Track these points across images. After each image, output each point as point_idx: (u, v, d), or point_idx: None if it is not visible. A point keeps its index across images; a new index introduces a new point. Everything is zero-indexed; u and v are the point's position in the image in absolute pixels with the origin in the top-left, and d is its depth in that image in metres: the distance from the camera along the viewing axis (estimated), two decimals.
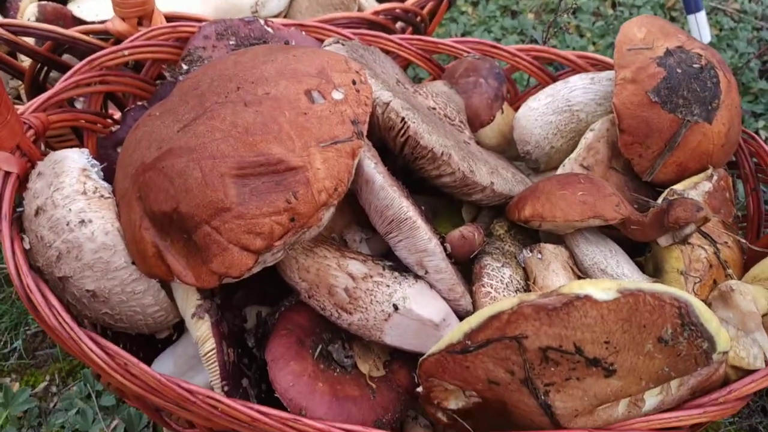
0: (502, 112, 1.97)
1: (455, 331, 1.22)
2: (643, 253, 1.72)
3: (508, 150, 2.04)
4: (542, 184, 1.55)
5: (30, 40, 2.13)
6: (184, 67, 1.76)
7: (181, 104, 1.39)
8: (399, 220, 1.35)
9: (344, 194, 1.32)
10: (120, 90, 1.80)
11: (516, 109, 2.10)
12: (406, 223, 1.35)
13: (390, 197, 1.34)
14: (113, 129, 1.73)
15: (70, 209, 1.38)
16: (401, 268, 1.44)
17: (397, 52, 2.03)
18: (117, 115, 2.04)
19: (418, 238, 1.35)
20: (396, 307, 1.37)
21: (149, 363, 1.59)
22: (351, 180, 1.33)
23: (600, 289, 1.14)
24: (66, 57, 2.13)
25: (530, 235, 1.68)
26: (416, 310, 1.37)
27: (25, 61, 2.24)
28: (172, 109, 1.40)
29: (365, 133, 1.35)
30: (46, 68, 2.11)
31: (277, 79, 1.35)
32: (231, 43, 1.81)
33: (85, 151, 1.53)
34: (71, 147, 2.22)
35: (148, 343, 1.71)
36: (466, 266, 1.57)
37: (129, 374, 1.29)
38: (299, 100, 1.32)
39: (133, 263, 1.39)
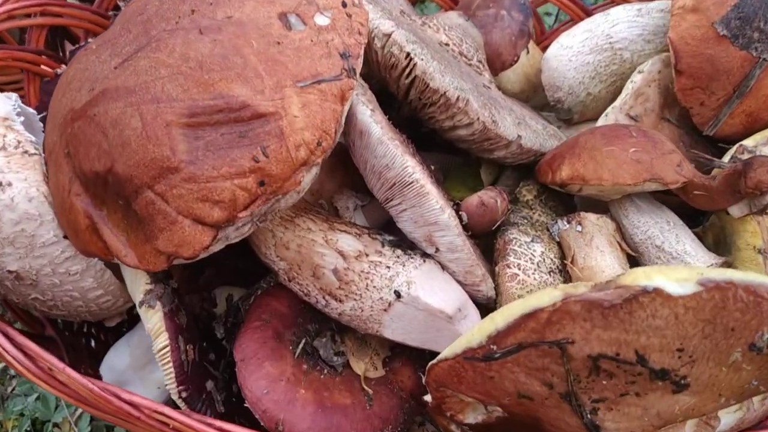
0: (528, 52, 1.65)
1: (475, 331, 0.92)
2: (697, 222, 1.42)
3: (534, 98, 1.72)
4: (583, 137, 1.23)
5: None
6: None
7: (122, 34, 1.08)
8: (402, 183, 1.05)
9: (331, 150, 1.01)
10: (66, 24, 1.49)
11: (544, 49, 1.77)
12: (412, 187, 1.04)
13: (391, 154, 1.03)
14: (59, 71, 1.42)
15: None
16: (405, 244, 1.14)
17: None
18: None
19: (427, 207, 1.04)
20: (398, 295, 1.07)
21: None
22: (340, 131, 1.03)
23: (675, 280, 0.83)
24: None
25: (564, 202, 1.37)
26: (423, 297, 1.07)
27: None
28: (111, 40, 1.09)
29: (359, 71, 1.04)
30: None
31: None
32: None
33: (13, 95, 1.22)
34: (11, 86, 1.91)
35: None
36: (487, 240, 1.27)
37: (56, 381, 1.01)
38: (271, 26, 1.01)
39: (66, 237, 1.10)
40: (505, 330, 0.89)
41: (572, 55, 1.52)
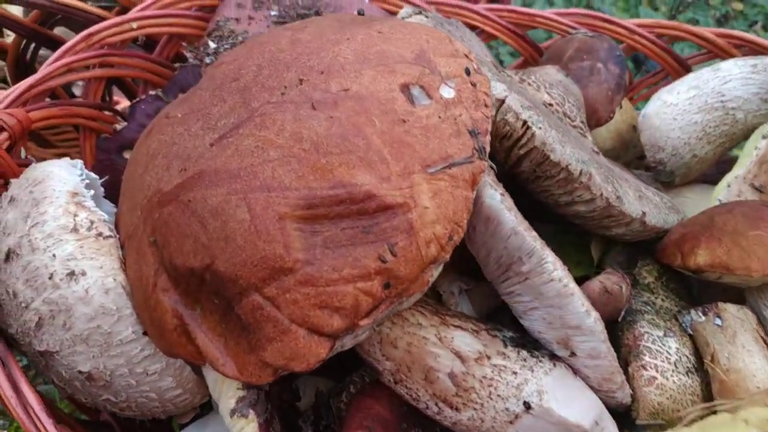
0: (620, 107, 1.52)
1: None
2: None
3: (623, 155, 1.59)
4: (720, 218, 1.10)
5: (15, 10, 1.69)
6: (212, 45, 1.31)
7: (215, 103, 0.95)
8: (539, 281, 0.91)
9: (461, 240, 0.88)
10: (126, 75, 1.36)
11: (631, 101, 1.65)
12: (551, 286, 0.90)
13: (528, 247, 0.90)
14: (117, 127, 1.29)
15: (54, 255, 0.95)
16: (529, 342, 1.00)
17: (481, 26, 1.57)
18: (123, 104, 1.60)
19: (570, 309, 0.91)
20: (528, 406, 0.93)
21: None
22: (468, 216, 0.89)
23: None
24: (60, 30, 1.68)
25: (685, 284, 1.23)
26: (558, 410, 0.93)
27: (10, 36, 1.79)
28: (202, 109, 0.95)
29: (488, 150, 0.90)
30: (33, 45, 1.66)
31: (359, 67, 0.90)
32: (272, 13, 1.36)
33: (78, 163, 1.09)
34: (71, 142, 1.79)
35: None
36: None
37: None
38: (394, 101, 0.87)
39: (145, 333, 0.96)
40: None
41: (677, 113, 1.39)
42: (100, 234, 0.97)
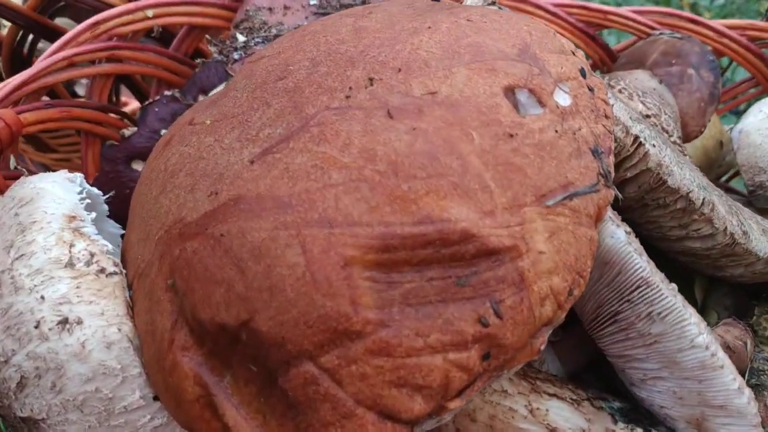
0: (709, 120, 1.31)
1: None
2: None
3: (707, 173, 1.38)
4: None
5: None
6: (240, 38, 1.10)
7: (255, 106, 0.74)
8: (676, 347, 0.69)
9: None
10: (138, 72, 1.15)
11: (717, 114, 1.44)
12: (692, 355, 0.69)
13: (663, 304, 0.69)
14: (126, 132, 1.08)
15: (42, 296, 0.74)
16: (643, 416, 0.79)
17: (549, 25, 1.36)
18: (132, 106, 1.40)
19: (716, 385, 0.70)
20: None
21: None
22: None
23: None
24: (63, 22, 1.47)
25: None
26: None
27: (6, 27, 1.58)
28: (238, 115, 0.74)
29: (613, 174, 0.69)
30: (32, 36, 1.46)
31: (449, 63, 0.69)
32: (311, 2, 1.15)
33: (78, 177, 0.89)
34: (74, 146, 1.59)
35: None
36: None
37: None
38: (497, 109, 0.66)
39: (156, 398, 0.75)
40: None
41: None
42: (102, 270, 0.76)
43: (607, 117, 0.72)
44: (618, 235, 0.71)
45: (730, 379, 0.69)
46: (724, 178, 1.52)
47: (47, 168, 1.69)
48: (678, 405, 0.74)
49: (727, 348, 0.87)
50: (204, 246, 0.66)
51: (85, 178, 1.05)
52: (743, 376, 0.90)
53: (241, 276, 0.63)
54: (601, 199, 0.66)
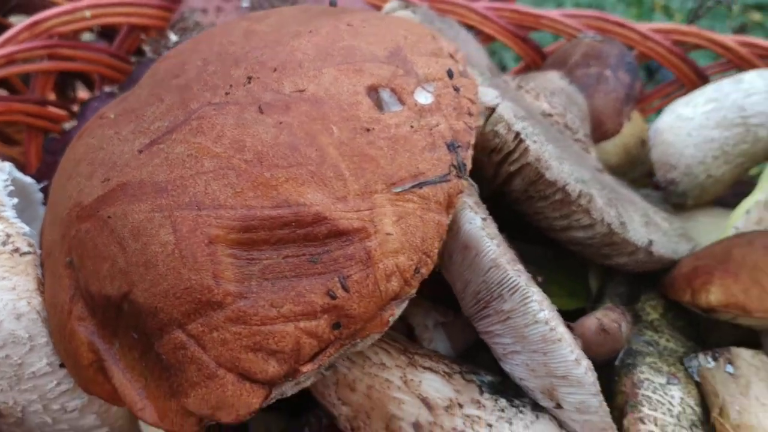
0: (629, 119, 1.38)
1: None
2: None
3: (630, 172, 1.44)
4: (738, 251, 0.95)
5: None
6: (173, 38, 1.18)
7: (152, 102, 0.81)
8: (522, 322, 0.77)
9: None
10: (77, 69, 1.22)
11: (641, 112, 1.50)
12: (536, 329, 0.76)
13: (510, 283, 0.76)
14: (67, 126, 1.16)
15: None
16: (509, 388, 0.86)
17: (478, 27, 1.43)
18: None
19: (557, 357, 0.77)
20: None
21: None
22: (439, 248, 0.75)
23: None
24: (18, 20, 1.54)
25: (691, 321, 1.09)
26: None
27: None
28: (136, 109, 0.82)
29: (469, 167, 0.76)
30: None
31: (320, 64, 0.76)
32: (244, 5, 1.22)
33: (6, 165, 0.96)
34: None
35: None
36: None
37: None
38: (358, 105, 0.74)
39: (62, 365, 0.83)
40: None
41: (692, 128, 1.24)
42: (16, 250, 0.84)
43: (470, 114, 0.79)
44: (475, 221, 0.78)
45: (568, 351, 0.76)
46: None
47: (15, 161, 1.76)
48: (531, 376, 0.82)
49: (603, 330, 0.94)
50: (94, 227, 0.74)
51: (29, 168, 1.13)
52: (618, 355, 0.97)
53: (123, 253, 0.71)
54: (452, 188, 0.74)
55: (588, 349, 0.94)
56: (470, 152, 0.77)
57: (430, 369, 0.86)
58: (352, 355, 0.86)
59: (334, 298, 0.67)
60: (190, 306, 0.68)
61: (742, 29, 3.17)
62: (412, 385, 0.84)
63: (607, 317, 0.95)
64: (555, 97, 1.16)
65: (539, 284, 0.93)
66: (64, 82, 1.38)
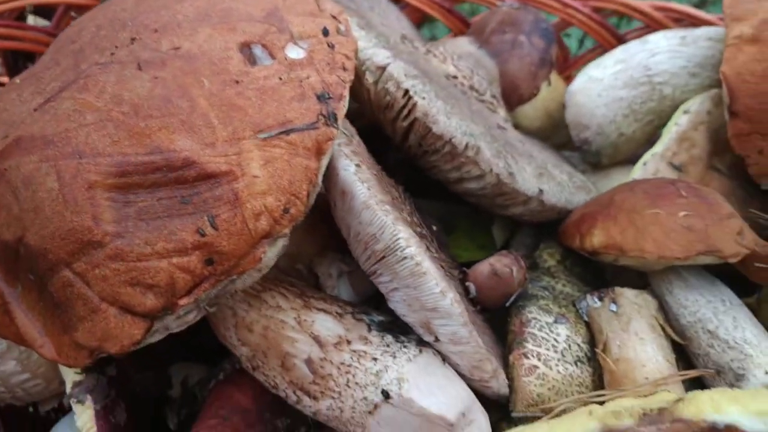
0: (549, 84, 1.43)
1: None
2: (745, 287, 1.19)
3: (555, 135, 1.50)
4: (620, 195, 1.01)
5: None
6: None
7: (50, 66, 0.87)
8: (394, 258, 0.83)
9: (303, 216, 0.80)
10: (10, 47, 1.28)
11: (567, 80, 1.56)
12: (405, 264, 0.82)
13: (378, 222, 0.82)
14: None
15: None
16: (397, 326, 0.93)
17: (406, 0, 1.49)
18: None
19: (424, 290, 0.83)
20: (387, 395, 0.85)
21: None
22: (315, 193, 0.82)
23: (755, 414, 0.61)
24: None
25: (592, 268, 1.15)
26: (419, 400, 0.85)
27: None
28: (38, 73, 0.88)
29: (341, 117, 0.82)
30: None
31: (197, 24, 0.83)
32: None
33: None
34: None
35: None
36: (502, 314, 1.05)
37: None
38: (228, 60, 0.80)
39: None
40: None
41: (602, 89, 1.30)
42: None
43: (344, 69, 0.85)
44: (349, 167, 0.84)
45: (433, 284, 0.82)
46: None
47: None
48: (410, 311, 0.88)
49: (495, 274, 1.00)
50: None
51: None
52: (510, 298, 1.03)
53: (16, 201, 0.77)
54: (320, 135, 0.80)
55: (481, 293, 1.01)
56: (343, 104, 0.83)
57: (323, 310, 0.92)
58: (251, 299, 0.92)
59: (203, 235, 0.74)
60: (74, 246, 0.74)
61: (702, 3, 3.21)
62: (305, 325, 0.90)
63: (500, 262, 1.01)
64: (462, 60, 1.21)
65: (434, 232, 0.99)
66: (15, 62, 1.44)
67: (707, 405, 0.62)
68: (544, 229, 1.19)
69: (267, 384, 0.93)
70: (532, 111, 1.42)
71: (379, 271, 0.87)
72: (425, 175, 1.09)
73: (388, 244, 0.83)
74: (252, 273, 0.79)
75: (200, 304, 0.78)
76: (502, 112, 1.24)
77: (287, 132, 0.78)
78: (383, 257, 0.85)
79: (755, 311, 1.14)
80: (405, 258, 0.82)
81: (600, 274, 1.16)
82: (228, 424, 0.93)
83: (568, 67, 1.60)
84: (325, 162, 0.82)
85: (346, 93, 0.84)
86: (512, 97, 1.35)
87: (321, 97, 0.81)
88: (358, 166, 0.85)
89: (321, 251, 1.06)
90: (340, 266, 1.05)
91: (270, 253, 0.79)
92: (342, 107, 0.83)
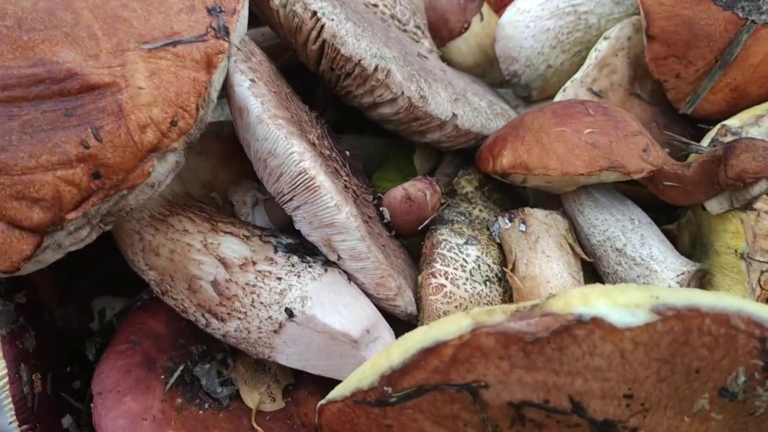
0: (482, 19, 1.42)
1: (367, 367, 0.71)
2: (672, 216, 1.21)
3: (491, 72, 1.49)
4: (530, 116, 1.01)
5: None
6: None
7: None
8: (289, 175, 0.83)
9: (198, 131, 0.80)
10: None
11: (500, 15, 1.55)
12: (300, 179, 0.82)
13: (273, 136, 0.81)
14: None
15: None
16: (305, 248, 0.93)
17: None
18: None
19: (320, 204, 0.83)
20: (290, 313, 0.86)
21: None
22: (209, 108, 0.81)
23: (622, 306, 0.62)
24: None
25: (513, 194, 1.15)
26: (322, 317, 0.86)
27: None
28: None
29: (233, 31, 0.82)
30: None
31: None
32: None
33: None
34: None
35: None
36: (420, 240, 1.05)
37: None
38: None
39: None
40: (401, 368, 0.68)
41: (529, 20, 1.29)
42: None
43: None
44: (243, 83, 0.83)
45: (328, 198, 0.82)
46: None
47: None
48: (311, 229, 0.88)
49: (408, 198, 1.01)
50: None
51: None
52: (424, 222, 1.03)
53: None
54: (210, 47, 0.79)
55: (395, 217, 1.01)
56: (236, 18, 0.82)
57: (230, 233, 0.92)
58: (157, 224, 0.92)
59: (87, 147, 0.73)
60: None
61: None
62: (212, 248, 0.90)
63: (414, 187, 1.02)
64: None
65: (348, 157, 0.99)
66: None
67: (576, 299, 0.63)
68: (466, 158, 1.19)
69: (177, 308, 0.93)
70: (465, 46, 1.41)
71: (280, 189, 0.87)
72: (349, 106, 1.09)
73: (283, 159, 0.82)
74: (143, 189, 0.79)
75: (91, 220, 0.77)
76: (426, 42, 1.23)
77: (174, 44, 0.77)
78: (281, 174, 0.85)
79: (676, 237, 1.16)
80: (300, 173, 0.82)
81: (523, 202, 1.16)
82: (138, 350, 0.93)
83: (504, 5, 1.58)
84: (217, 77, 0.81)
85: (241, 8, 0.83)
86: (443, 30, 1.34)
87: (212, 11, 0.80)
88: (253, 81, 0.84)
89: (236, 179, 1.06)
90: (256, 194, 1.04)
91: (161, 168, 0.78)
92: (235, 21, 0.82)
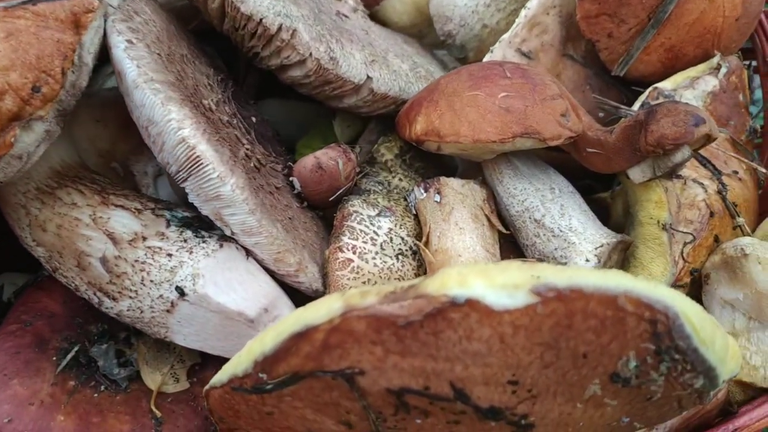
0: None
1: (243, 354, 0.66)
2: (610, 185, 1.17)
3: (430, 32, 1.42)
4: (446, 79, 0.96)
5: None
6: None
7: None
8: (170, 143, 0.77)
9: (73, 98, 0.73)
10: None
11: None
12: (181, 150, 0.76)
13: (149, 102, 0.75)
14: None
15: None
16: (202, 222, 0.87)
17: None
18: None
19: (203, 176, 0.77)
20: (182, 292, 0.81)
21: None
22: (82, 73, 0.75)
23: (500, 287, 0.58)
24: None
25: (438, 162, 1.10)
26: (215, 296, 0.81)
27: None
28: None
29: None
30: None
31: None
32: None
33: None
34: None
35: None
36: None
37: None
38: None
39: None
40: (273, 354, 0.63)
41: None
42: None
43: None
44: (119, 44, 0.76)
45: (209, 168, 0.76)
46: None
47: None
48: (200, 202, 0.82)
49: (319, 167, 0.95)
50: None
51: None
52: (337, 192, 0.98)
53: None
54: (76, 5, 0.72)
55: (306, 187, 0.96)
56: None
57: (122, 207, 0.86)
58: (44, 197, 0.86)
59: None
60: None
61: None
62: (100, 222, 0.85)
63: (326, 155, 0.96)
64: None
65: (254, 124, 0.93)
66: None
67: (452, 279, 0.58)
68: (392, 125, 1.13)
69: (69, 286, 0.88)
70: (400, 6, 1.35)
71: (166, 160, 0.81)
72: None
73: (162, 127, 0.76)
74: (9, 161, 0.73)
75: None
76: (351, 2, 1.16)
77: (33, 2, 0.70)
78: (163, 143, 0.79)
79: (609, 206, 1.12)
80: (179, 142, 0.76)
81: (451, 171, 1.11)
82: (29, 330, 0.88)
83: None
84: (89, 37, 0.74)
85: None
86: None
87: None
88: (130, 42, 0.77)
89: (137, 148, 1.00)
90: (157, 165, 0.98)
91: (27, 138, 0.72)
92: None
